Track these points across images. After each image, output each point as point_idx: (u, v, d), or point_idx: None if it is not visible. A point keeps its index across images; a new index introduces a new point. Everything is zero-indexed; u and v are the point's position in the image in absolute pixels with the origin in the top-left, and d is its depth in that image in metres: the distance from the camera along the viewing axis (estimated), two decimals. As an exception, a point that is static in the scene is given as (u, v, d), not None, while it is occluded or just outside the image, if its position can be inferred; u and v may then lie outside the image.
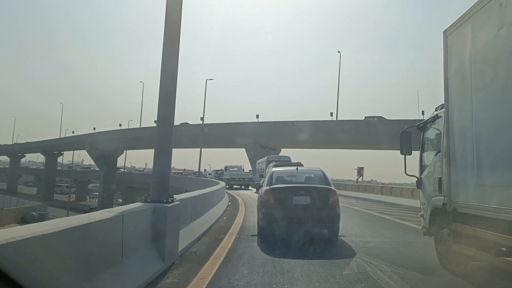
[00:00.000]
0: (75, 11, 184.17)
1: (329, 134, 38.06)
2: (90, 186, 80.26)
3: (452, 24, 5.22)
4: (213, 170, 48.74)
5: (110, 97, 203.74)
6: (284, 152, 49.21)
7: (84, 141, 59.08)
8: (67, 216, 6.38)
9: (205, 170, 49.31)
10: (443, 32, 5.44)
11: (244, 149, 46.61)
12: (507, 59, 3.98)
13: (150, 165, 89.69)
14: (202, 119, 46.40)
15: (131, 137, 53.12)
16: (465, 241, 4.85)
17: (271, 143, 44.43)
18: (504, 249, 4.33)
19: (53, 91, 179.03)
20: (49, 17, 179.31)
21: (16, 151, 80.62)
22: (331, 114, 41.47)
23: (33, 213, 40.37)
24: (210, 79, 43.08)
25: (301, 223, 7.71)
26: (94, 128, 61.77)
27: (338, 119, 41.40)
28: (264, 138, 43.16)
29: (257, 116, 45.30)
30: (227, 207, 14.50)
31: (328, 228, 7.98)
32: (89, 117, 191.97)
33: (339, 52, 45.16)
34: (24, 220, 36.68)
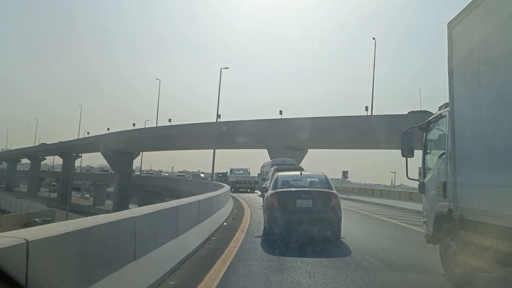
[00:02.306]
0: (99, 15, 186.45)
1: (363, 131, 33.06)
2: (109, 189, 77.94)
3: (457, 15, 4.86)
4: (215, 173, 46.66)
5: (127, 98, 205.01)
6: (312, 152, 44.96)
7: (98, 142, 56.41)
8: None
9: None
10: (448, 24, 5.12)
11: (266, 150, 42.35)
12: None
13: (177, 168, 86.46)
14: (218, 116, 42.52)
15: (146, 137, 49.85)
16: (474, 252, 4.47)
17: (296, 142, 39.83)
18: None
19: (73, 94, 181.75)
20: (75, 22, 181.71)
21: (35, 153, 79.57)
22: (366, 108, 36.33)
23: (36, 219, 37.62)
24: (226, 68, 38.94)
25: (304, 225, 8.09)
26: (108, 129, 58.91)
27: (373, 114, 36.14)
28: (289, 137, 38.58)
29: (280, 112, 40.84)
30: (210, 237, 8.11)
31: (330, 230, 8.34)
32: (105, 120, 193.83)
33: (374, 38, 39.84)
34: (27, 226, 34.09)
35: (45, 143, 74.91)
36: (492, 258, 4.11)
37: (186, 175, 67.62)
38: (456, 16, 4.91)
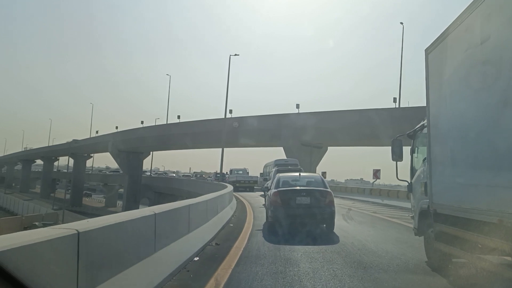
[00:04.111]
0: (115, 16, 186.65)
1: (388, 126, 29.32)
2: (121, 190, 75.96)
3: (431, 43, 5.74)
4: (214, 173, 47.26)
5: (140, 98, 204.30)
6: (331, 150, 41.52)
7: (107, 142, 54.15)
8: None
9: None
10: (425, 50, 5.91)
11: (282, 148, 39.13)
12: (473, 77, 4.49)
13: (194, 168, 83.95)
14: (230, 111, 39.45)
15: (154, 135, 47.26)
16: (445, 240, 5.28)
17: (314, 139, 36.41)
18: (480, 246, 4.52)
19: (87, 94, 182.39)
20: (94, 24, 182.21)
21: (47, 154, 78.33)
22: (394, 99, 32.54)
23: (36, 223, 35.40)
24: (236, 55, 35.42)
25: (303, 219, 9.21)
26: (117, 127, 56.49)
27: (401, 106, 32.32)
28: (306, 133, 35.17)
29: (297, 106, 37.51)
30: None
31: (325, 223, 9.54)
32: (118, 120, 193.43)
33: (401, 23, 36.06)
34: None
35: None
36: (460, 245, 4.88)
37: (191, 176, 66.24)
38: (430, 44, 5.81)
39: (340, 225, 10.60)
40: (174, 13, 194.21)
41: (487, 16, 4.17)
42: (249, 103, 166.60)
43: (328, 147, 40.90)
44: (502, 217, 3.84)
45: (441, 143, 5.50)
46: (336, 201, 22.44)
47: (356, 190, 30.67)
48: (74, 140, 72.76)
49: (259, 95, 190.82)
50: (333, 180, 73.44)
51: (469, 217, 4.50)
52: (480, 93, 4.33)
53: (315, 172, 41.14)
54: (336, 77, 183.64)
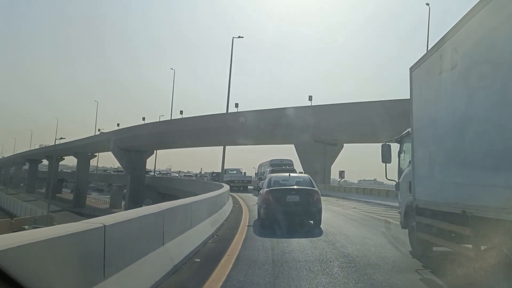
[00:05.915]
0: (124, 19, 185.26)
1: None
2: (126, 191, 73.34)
3: (415, 63, 6.72)
4: (209, 173, 48.19)
5: (145, 97, 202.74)
6: (347, 147, 38.08)
7: (108, 140, 51.38)
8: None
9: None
10: (409, 68, 6.88)
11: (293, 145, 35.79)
12: (442, 97, 5.53)
13: (206, 169, 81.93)
14: (236, 105, 36.31)
15: (156, 133, 44.29)
16: (425, 230, 6.10)
17: (329, 135, 32.99)
18: (453, 235, 5.20)
19: (93, 94, 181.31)
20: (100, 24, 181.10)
21: (51, 153, 76.10)
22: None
23: (26, 226, 32.64)
24: (239, 37, 31.92)
25: (293, 215, 9.96)
26: (118, 125, 53.63)
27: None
28: (319, 128, 31.76)
29: (310, 98, 34.11)
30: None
31: (312, 219, 10.30)
32: (125, 119, 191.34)
33: (427, 4, 32.41)
34: (16, 235, 29.39)
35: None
36: (437, 234, 5.66)
37: (191, 176, 65.29)
38: (414, 64, 6.77)
39: (394, 261, 6.08)
40: (185, 16, 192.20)
41: (455, 48, 5.17)
42: (258, 102, 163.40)
43: (344, 144, 37.45)
44: (464, 208, 4.73)
45: (420, 147, 6.54)
46: (361, 207, 18.05)
47: (385, 193, 23.20)
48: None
49: (269, 95, 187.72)
50: (346, 180, 69.61)
51: (442, 209, 5.48)
52: (449, 108, 5.32)
53: (330, 172, 38.27)
54: (347, 75, 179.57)
